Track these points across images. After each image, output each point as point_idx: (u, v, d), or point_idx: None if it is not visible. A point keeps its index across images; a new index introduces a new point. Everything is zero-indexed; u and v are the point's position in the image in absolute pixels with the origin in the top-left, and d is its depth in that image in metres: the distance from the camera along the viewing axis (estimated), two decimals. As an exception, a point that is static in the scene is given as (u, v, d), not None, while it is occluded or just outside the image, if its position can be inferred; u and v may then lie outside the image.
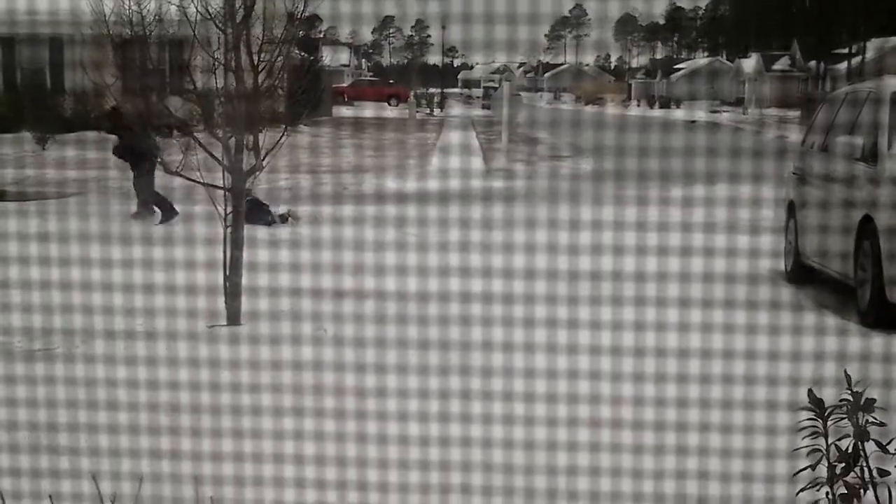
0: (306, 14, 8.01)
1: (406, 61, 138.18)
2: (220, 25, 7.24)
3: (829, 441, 3.22)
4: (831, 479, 3.21)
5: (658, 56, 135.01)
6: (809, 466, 3.22)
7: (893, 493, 3.29)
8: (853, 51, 57.06)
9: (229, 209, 7.36)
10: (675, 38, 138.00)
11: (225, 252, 7.31)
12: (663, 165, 19.19)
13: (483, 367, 6.18)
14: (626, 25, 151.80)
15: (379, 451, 4.80)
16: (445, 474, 4.48)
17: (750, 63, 76.21)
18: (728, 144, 30.41)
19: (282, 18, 7.58)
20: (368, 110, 51.47)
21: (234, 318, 7.25)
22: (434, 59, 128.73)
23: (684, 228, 11.85)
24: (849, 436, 3.20)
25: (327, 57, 45.87)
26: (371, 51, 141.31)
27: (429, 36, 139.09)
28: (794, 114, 53.05)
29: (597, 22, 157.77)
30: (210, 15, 7.22)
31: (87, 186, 16.35)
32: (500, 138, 26.61)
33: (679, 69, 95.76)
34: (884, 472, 3.22)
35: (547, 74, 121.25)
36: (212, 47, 7.35)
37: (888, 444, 3.21)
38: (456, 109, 61.62)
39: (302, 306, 7.80)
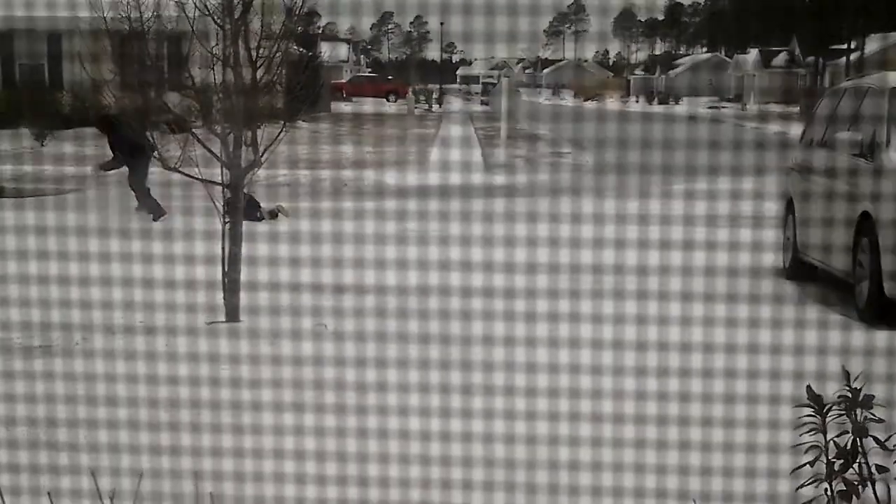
0: (304, 9, 8.00)
1: (405, 57, 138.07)
2: (218, 20, 7.23)
3: (829, 437, 3.22)
4: (830, 476, 3.21)
5: (657, 51, 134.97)
6: (808, 463, 3.22)
7: (893, 490, 3.29)
8: (852, 46, 57.02)
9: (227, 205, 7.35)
10: (675, 34, 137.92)
11: (223, 248, 7.31)
12: (660, 160, 19.19)
13: (484, 362, 6.19)
14: (625, 21, 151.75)
15: (379, 446, 4.80)
16: (446, 469, 4.48)
17: (749, 58, 76.18)
18: (726, 139, 30.40)
19: (280, 13, 7.57)
20: (367, 106, 51.45)
21: (232, 314, 7.25)
22: (433, 54, 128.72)
23: (678, 222, 11.85)
24: (848, 432, 3.20)
25: (326, 52, 45.83)
26: (370, 46, 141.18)
27: (427, 32, 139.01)
28: (793, 109, 53.08)
29: (595, 17, 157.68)
30: (208, 10, 7.21)
31: (85, 182, 16.33)
32: (499, 133, 26.57)
33: (678, 65, 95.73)
34: (882, 469, 3.22)
35: (546, 70, 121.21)
36: (210, 42, 7.35)
37: (887, 440, 3.21)
38: (455, 105, 61.60)
39: (300, 301, 7.79)
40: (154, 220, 12.61)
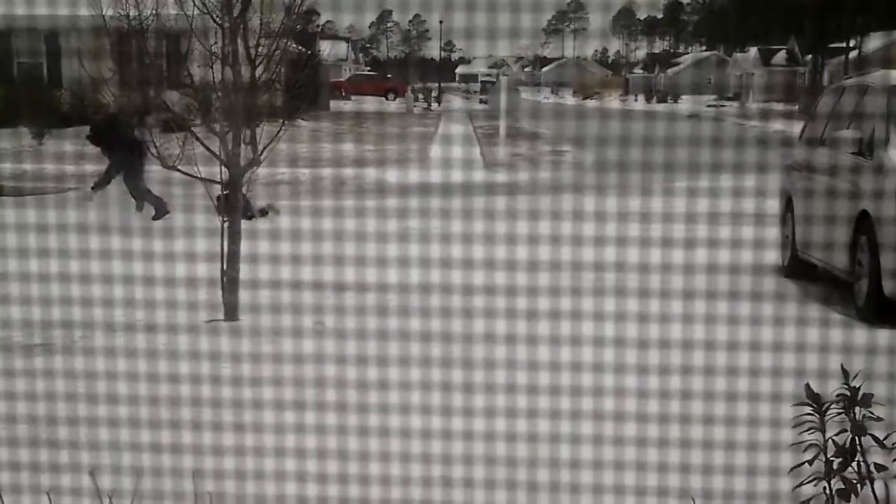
0: (303, 7, 8.00)
1: (404, 55, 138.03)
2: (217, 18, 7.23)
3: (827, 435, 3.22)
4: (829, 474, 3.22)
5: (656, 50, 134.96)
6: (807, 461, 3.23)
7: (891, 488, 3.30)
8: (851, 45, 57.02)
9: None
10: (674, 32, 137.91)
11: (222, 246, 7.31)
12: (660, 158, 19.19)
13: (485, 360, 6.19)
14: (625, 19, 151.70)
15: (381, 445, 4.80)
16: (447, 468, 4.48)
17: (748, 57, 76.20)
18: (725, 137, 30.40)
19: (279, 11, 7.57)
20: (366, 104, 51.43)
21: (231, 312, 7.25)
22: (432, 52, 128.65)
23: (678, 220, 11.85)
24: (847, 430, 3.20)
25: (325, 51, 45.81)
26: (368, 45, 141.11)
27: (426, 30, 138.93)
28: (791, 107, 53.08)
29: (594, 16, 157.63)
30: (207, 8, 7.21)
31: (85, 181, 16.31)
32: (498, 132, 26.58)
33: (677, 63, 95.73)
34: (881, 467, 3.22)
35: (545, 69, 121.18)
36: (209, 40, 7.34)
37: (885, 438, 3.22)
38: (454, 103, 61.58)
39: (300, 300, 7.79)
40: (155, 218, 12.60)
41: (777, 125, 37.17)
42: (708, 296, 7.78)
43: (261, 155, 7.52)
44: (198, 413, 5.21)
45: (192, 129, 7.52)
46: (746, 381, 5.56)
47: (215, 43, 7.31)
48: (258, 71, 7.31)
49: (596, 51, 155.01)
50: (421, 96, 56.02)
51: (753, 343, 6.37)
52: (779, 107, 57.06)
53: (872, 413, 3.21)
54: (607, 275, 8.82)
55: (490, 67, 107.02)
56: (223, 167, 7.35)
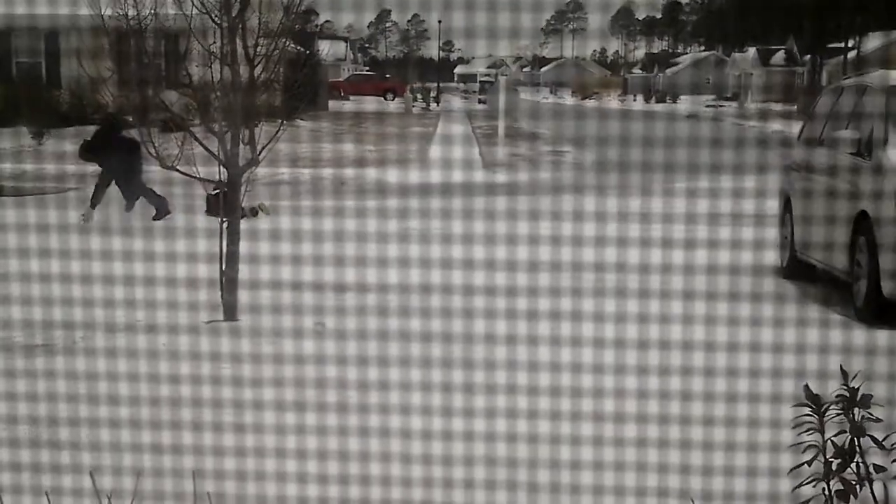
0: (302, 7, 8.00)
1: (402, 55, 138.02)
2: (215, 18, 7.23)
3: (826, 436, 3.22)
4: (827, 475, 3.22)
5: (655, 50, 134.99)
6: (806, 462, 3.23)
7: (890, 489, 3.30)
8: (850, 45, 57.04)
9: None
10: (672, 32, 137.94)
11: (221, 246, 7.31)
12: (659, 158, 19.19)
13: (486, 360, 6.19)
14: (623, 19, 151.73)
15: (381, 445, 4.80)
16: (448, 468, 4.49)
17: (746, 57, 76.22)
18: (724, 137, 30.40)
19: (278, 10, 7.57)
20: (365, 104, 51.43)
21: (230, 312, 7.25)
22: (430, 52, 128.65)
23: (678, 220, 11.86)
24: (846, 431, 3.20)
25: (325, 50, 45.81)
26: (367, 45, 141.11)
27: (425, 30, 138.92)
28: (790, 107, 53.10)
29: (593, 16, 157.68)
30: (206, 8, 7.21)
31: (85, 181, 16.30)
32: (497, 132, 26.57)
33: (676, 63, 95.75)
34: (880, 468, 3.22)
35: (544, 69, 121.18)
36: (208, 40, 7.34)
37: (884, 439, 3.22)
38: (453, 103, 61.58)
39: (300, 300, 7.79)
40: (156, 218, 12.60)
41: (776, 125, 37.19)
42: (707, 297, 7.78)
43: (259, 155, 7.52)
44: (198, 413, 5.21)
45: (191, 128, 7.52)
46: (746, 381, 5.56)
47: (214, 43, 7.31)
48: (257, 71, 7.31)
49: (595, 51, 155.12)
50: (420, 96, 56.01)
51: (753, 344, 6.37)
52: (777, 107, 57.09)
53: (871, 414, 3.21)
54: (607, 275, 8.82)
55: (489, 67, 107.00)
56: (222, 167, 7.35)
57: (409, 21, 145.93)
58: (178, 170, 7.40)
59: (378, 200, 15.09)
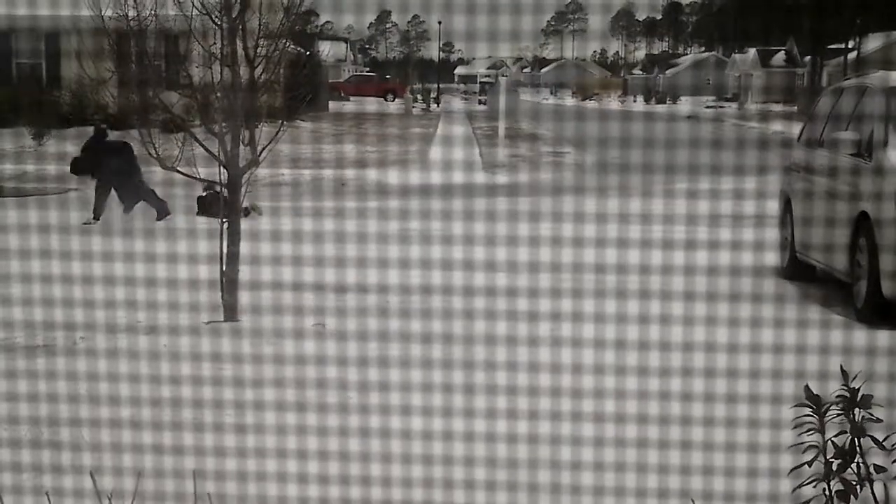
0: (303, 8, 8.01)
1: (403, 56, 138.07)
2: (215, 19, 7.23)
3: (827, 437, 3.23)
4: (828, 476, 3.22)
5: (655, 51, 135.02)
6: (806, 463, 3.23)
7: (890, 490, 3.30)
8: (850, 46, 57.04)
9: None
10: (673, 33, 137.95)
11: (221, 247, 7.31)
12: (660, 159, 19.20)
13: (486, 361, 6.19)
14: (623, 20, 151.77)
15: (382, 446, 4.81)
16: (448, 469, 4.49)
17: (746, 58, 76.22)
18: (724, 139, 30.41)
19: (278, 11, 7.58)
20: (365, 105, 51.43)
21: (231, 313, 7.25)
22: (431, 53, 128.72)
23: (679, 221, 11.87)
24: (847, 431, 3.21)
25: (325, 51, 45.83)
26: (368, 46, 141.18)
27: (425, 31, 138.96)
28: (790, 108, 53.10)
29: (593, 17, 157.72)
30: (206, 9, 7.22)
31: (86, 182, 16.33)
32: (498, 133, 26.58)
33: (676, 64, 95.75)
34: (880, 469, 3.22)
35: (544, 69, 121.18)
36: (208, 41, 7.35)
37: (885, 439, 3.22)
38: (453, 104, 61.59)
39: (301, 301, 7.80)
40: (158, 219, 12.60)
41: (776, 126, 37.19)
42: (708, 297, 7.78)
43: (260, 156, 7.53)
44: (199, 414, 5.21)
45: (192, 129, 7.52)
46: (746, 382, 5.56)
47: (214, 44, 7.32)
48: (257, 72, 7.32)
49: (595, 52, 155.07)
50: (420, 97, 56.00)
51: (753, 344, 6.37)
52: (778, 108, 57.08)
53: (872, 414, 3.21)
54: (608, 276, 8.83)
55: (489, 68, 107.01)
56: (222, 168, 7.35)
57: (409, 22, 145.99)
58: (178, 170, 7.41)
59: (378, 201, 15.09)
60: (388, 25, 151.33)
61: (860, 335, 7.08)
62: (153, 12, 7.33)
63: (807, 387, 3.31)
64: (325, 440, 4.84)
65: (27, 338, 6.79)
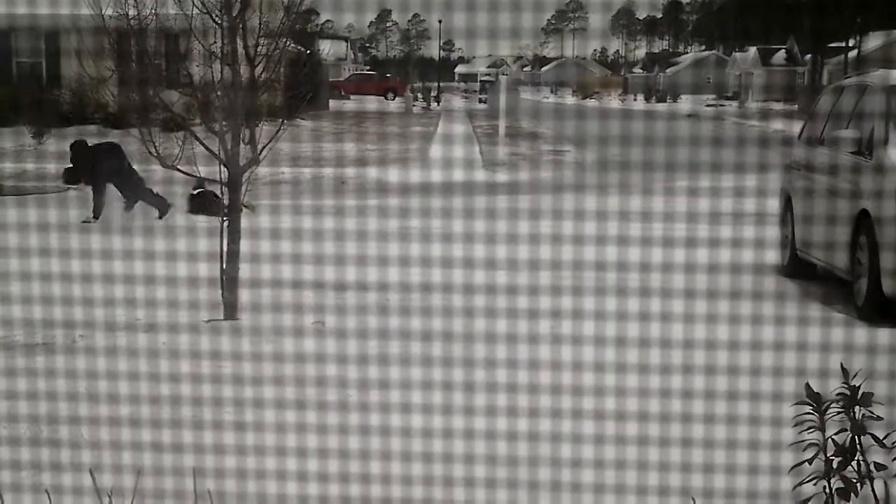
0: (303, 7, 8.01)
1: (403, 55, 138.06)
2: (216, 18, 7.23)
3: (827, 435, 3.22)
4: (828, 473, 3.22)
5: (655, 49, 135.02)
6: (806, 461, 3.23)
7: (891, 488, 3.30)
8: (850, 44, 57.03)
9: (226, 202, 7.36)
10: (673, 32, 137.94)
11: (221, 245, 7.31)
12: (660, 157, 19.19)
13: (486, 359, 6.19)
14: (624, 19, 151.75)
15: (382, 444, 4.80)
16: (448, 466, 4.49)
17: (747, 56, 76.22)
18: (724, 137, 30.41)
19: (278, 10, 7.57)
20: (365, 104, 51.44)
21: (231, 311, 7.25)
22: (431, 52, 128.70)
23: (679, 219, 11.87)
24: (846, 429, 3.20)
25: (326, 50, 45.83)
26: (368, 44, 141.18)
27: (425, 30, 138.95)
28: (791, 107, 53.10)
29: (594, 15, 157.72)
30: (206, 8, 7.21)
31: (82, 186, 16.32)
32: (498, 131, 26.58)
33: (676, 63, 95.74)
34: (881, 466, 3.22)
35: (544, 68, 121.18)
36: (208, 40, 7.35)
37: (885, 437, 3.22)
38: (454, 103, 61.59)
39: (301, 299, 7.80)
40: (160, 217, 12.60)
41: (776, 125, 37.19)
42: (708, 295, 7.78)
43: (260, 154, 7.52)
44: (198, 412, 5.21)
45: (192, 128, 7.52)
46: (747, 380, 5.56)
47: (214, 42, 7.32)
48: (258, 70, 7.31)
49: (595, 50, 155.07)
50: (420, 96, 55.99)
51: (754, 342, 6.37)
52: (778, 106, 57.09)
53: (872, 412, 3.21)
54: (608, 274, 8.82)
55: (490, 67, 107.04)
56: (222, 166, 7.35)
57: (409, 21, 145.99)
58: (178, 169, 7.41)
59: (379, 199, 15.09)
60: (388, 24, 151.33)
61: (861, 333, 7.08)
62: (153, 11, 7.32)
63: (807, 385, 3.31)
64: (325, 438, 4.84)
65: (26, 336, 6.79)
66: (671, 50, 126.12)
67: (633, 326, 6.80)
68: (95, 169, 12.49)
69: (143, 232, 10.89)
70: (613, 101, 73.05)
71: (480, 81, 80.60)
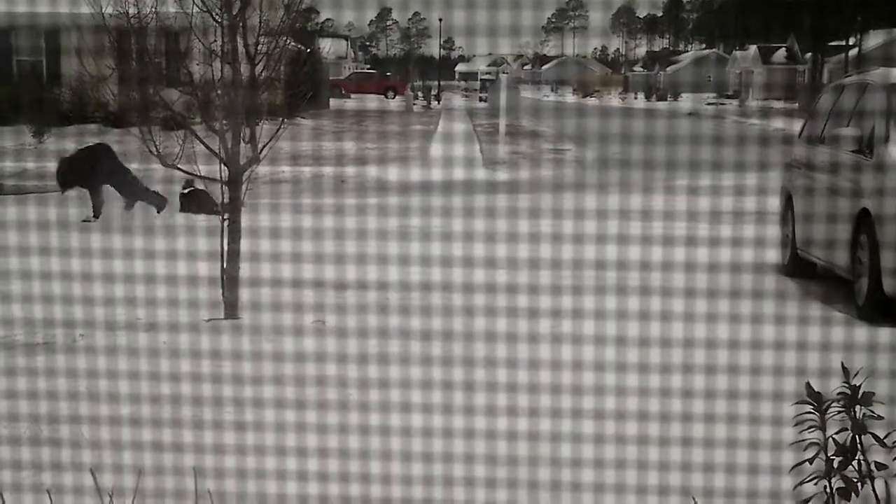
0: (303, 5, 8.00)
1: (403, 53, 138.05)
2: (216, 16, 7.22)
3: (828, 434, 3.22)
4: (829, 473, 3.22)
5: (656, 48, 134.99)
6: (807, 460, 3.23)
7: (891, 487, 3.29)
8: (851, 42, 57.01)
9: (226, 201, 7.35)
10: (673, 30, 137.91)
11: (222, 244, 7.31)
12: (660, 156, 19.19)
13: (486, 358, 6.19)
14: (624, 17, 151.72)
15: (382, 443, 4.80)
16: (448, 466, 4.49)
17: (747, 55, 76.20)
18: (725, 135, 30.40)
19: (279, 8, 7.57)
20: (366, 102, 51.44)
21: (232, 310, 7.24)
22: (431, 50, 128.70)
23: (679, 217, 11.86)
24: (848, 429, 3.20)
25: (325, 49, 45.83)
26: (368, 43, 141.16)
27: (426, 28, 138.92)
28: (791, 105, 53.09)
29: (594, 14, 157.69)
30: (206, 6, 7.21)
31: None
32: (498, 130, 26.58)
33: (677, 61, 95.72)
34: (881, 466, 3.22)
35: (545, 66, 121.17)
36: (208, 38, 7.34)
37: (886, 437, 3.22)
38: (454, 101, 61.59)
39: (301, 298, 7.80)
40: (159, 211, 12.61)
41: (777, 123, 37.18)
42: (708, 294, 7.78)
43: (261, 153, 7.52)
44: (198, 411, 5.21)
45: (192, 127, 7.51)
46: (747, 379, 5.56)
47: (215, 41, 7.31)
48: (258, 69, 7.31)
49: (596, 49, 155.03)
50: (421, 94, 55.98)
51: (754, 341, 6.37)
52: (779, 105, 57.07)
53: (873, 411, 3.21)
54: (608, 273, 8.82)
55: (490, 65, 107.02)
56: (223, 165, 7.34)
57: (410, 19, 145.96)
58: (179, 168, 7.40)
59: (379, 198, 15.09)
60: (388, 22, 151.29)
61: (861, 332, 7.08)
62: (153, 9, 7.31)
63: (808, 384, 3.31)
64: (325, 437, 4.84)
65: (27, 335, 6.78)
66: (672, 48, 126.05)
67: (633, 326, 6.80)
68: (88, 172, 12.48)
69: (143, 231, 10.88)
70: (614, 100, 73.05)
71: (481, 80, 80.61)
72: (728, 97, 73.24)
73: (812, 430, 3.23)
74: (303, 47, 14.22)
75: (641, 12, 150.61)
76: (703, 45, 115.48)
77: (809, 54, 63.89)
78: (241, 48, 7.25)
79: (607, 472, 4.43)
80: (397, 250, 9.50)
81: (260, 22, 7.38)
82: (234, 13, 7.21)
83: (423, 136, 28.53)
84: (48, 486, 4.15)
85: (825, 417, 3.22)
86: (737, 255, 9.64)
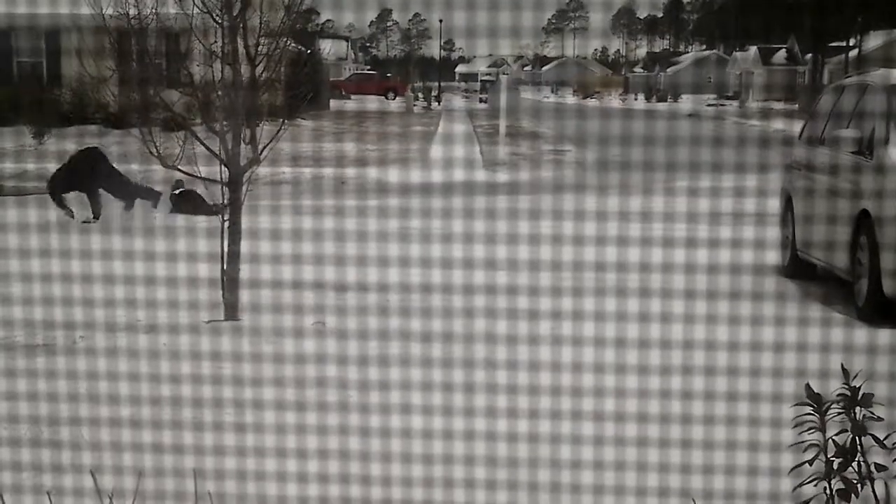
0: (304, 6, 8.00)
1: (404, 54, 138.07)
2: (216, 17, 7.23)
3: (828, 435, 3.22)
4: (829, 474, 3.22)
5: (656, 49, 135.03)
6: (807, 462, 3.23)
7: (891, 488, 3.29)
8: (851, 44, 57.01)
9: (227, 202, 7.36)
10: (674, 31, 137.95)
11: (222, 246, 7.31)
12: (660, 157, 19.20)
13: (486, 360, 6.19)
14: (625, 18, 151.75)
15: (382, 445, 4.80)
16: (448, 468, 4.49)
17: (748, 56, 76.20)
18: (725, 137, 30.40)
19: (279, 9, 7.57)
20: (366, 103, 51.44)
21: (232, 312, 7.24)
22: (432, 52, 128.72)
23: (679, 219, 11.86)
24: (848, 430, 3.20)
25: (326, 49, 45.83)
26: (369, 44, 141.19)
27: (426, 29, 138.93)
28: (791, 106, 53.09)
29: (595, 15, 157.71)
30: (207, 7, 7.21)
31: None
32: (498, 131, 26.58)
33: (677, 62, 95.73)
34: (881, 467, 3.22)
35: (545, 68, 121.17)
36: (209, 39, 7.35)
37: (886, 438, 3.22)
38: (454, 102, 61.58)
39: (301, 299, 7.80)
40: (154, 206, 12.63)
41: (777, 124, 37.18)
42: (708, 296, 7.78)
43: (261, 154, 7.52)
44: (199, 413, 5.21)
45: (192, 128, 7.52)
46: (747, 380, 5.56)
47: (215, 42, 7.32)
48: (258, 70, 7.31)
49: (596, 50, 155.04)
50: (421, 95, 55.98)
51: (754, 343, 6.37)
52: (779, 106, 57.07)
53: (873, 413, 3.21)
54: (608, 275, 8.82)
55: (490, 66, 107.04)
56: (223, 166, 7.35)
57: (410, 20, 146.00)
58: (179, 169, 7.41)
59: (379, 199, 15.09)
60: (388, 24, 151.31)
61: (861, 334, 7.08)
62: (154, 10, 7.32)
63: (808, 385, 3.31)
64: (325, 439, 4.84)
65: (27, 337, 6.79)
66: (672, 49, 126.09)
67: (632, 327, 6.80)
68: (87, 175, 12.48)
69: (143, 232, 10.89)
70: (614, 101, 73.05)
71: (481, 81, 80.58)
72: (728, 98, 73.25)
73: (812, 431, 3.23)
74: (303, 48, 14.21)
75: (642, 13, 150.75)
76: (704, 46, 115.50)
77: (810, 55, 63.91)
78: (241, 49, 7.26)
79: (607, 474, 4.43)
80: (397, 252, 9.51)
81: (260, 23, 7.38)
82: (235, 14, 7.21)
83: (424, 138, 28.54)
84: (48, 487, 4.15)
85: (825, 419, 3.22)
86: (737, 256, 9.64)
